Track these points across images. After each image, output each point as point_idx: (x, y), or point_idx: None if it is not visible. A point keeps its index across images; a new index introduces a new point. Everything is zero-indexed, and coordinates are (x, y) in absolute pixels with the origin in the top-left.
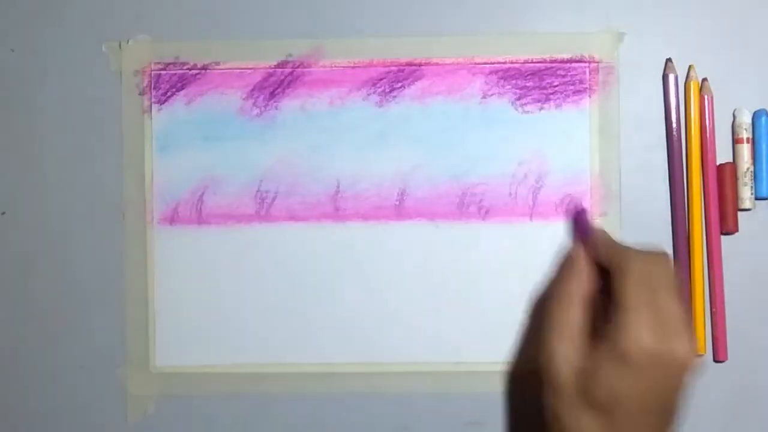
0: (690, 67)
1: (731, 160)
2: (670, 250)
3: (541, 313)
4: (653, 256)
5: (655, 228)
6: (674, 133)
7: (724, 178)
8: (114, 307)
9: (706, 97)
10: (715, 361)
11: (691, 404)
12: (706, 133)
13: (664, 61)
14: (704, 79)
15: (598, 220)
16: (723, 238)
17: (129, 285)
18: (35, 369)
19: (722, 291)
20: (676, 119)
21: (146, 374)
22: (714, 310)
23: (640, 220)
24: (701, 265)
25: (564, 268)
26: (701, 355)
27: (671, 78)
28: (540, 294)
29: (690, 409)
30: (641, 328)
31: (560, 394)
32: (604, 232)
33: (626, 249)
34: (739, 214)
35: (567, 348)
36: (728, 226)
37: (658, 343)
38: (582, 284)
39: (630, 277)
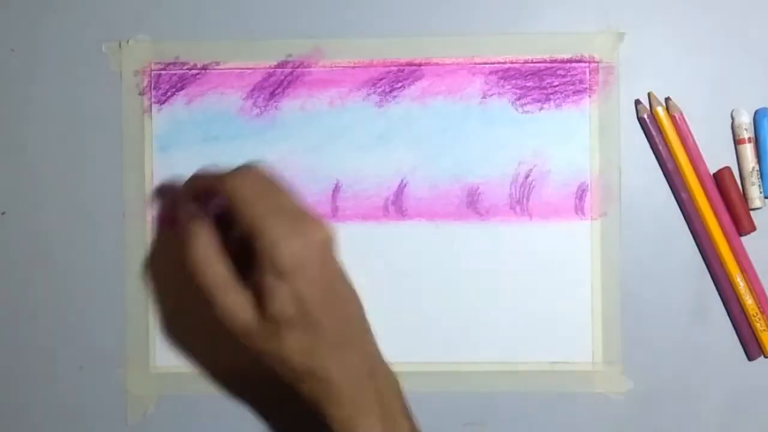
0: (650, 95)
1: (731, 163)
2: (697, 262)
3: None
4: (244, 172)
5: (656, 228)
6: (667, 164)
7: (725, 183)
8: (114, 307)
9: (675, 116)
10: None
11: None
12: (689, 148)
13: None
14: (667, 99)
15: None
16: (744, 239)
17: (129, 285)
18: (35, 369)
19: (763, 290)
20: (664, 151)
21: (146, 374)
22: (761, 308)
23: (640, 220)
24: (735, 268)
25: (184, 236)
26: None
27: (646, 117)
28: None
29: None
30: (280, 237)
31: (253, 335)
32: (194, 176)
33: (215, 177)
34: (752, 213)
35: (231, 297)
36: (744, 228)
37: (299, 240)
38: (208, 239)
39: (243, 201)
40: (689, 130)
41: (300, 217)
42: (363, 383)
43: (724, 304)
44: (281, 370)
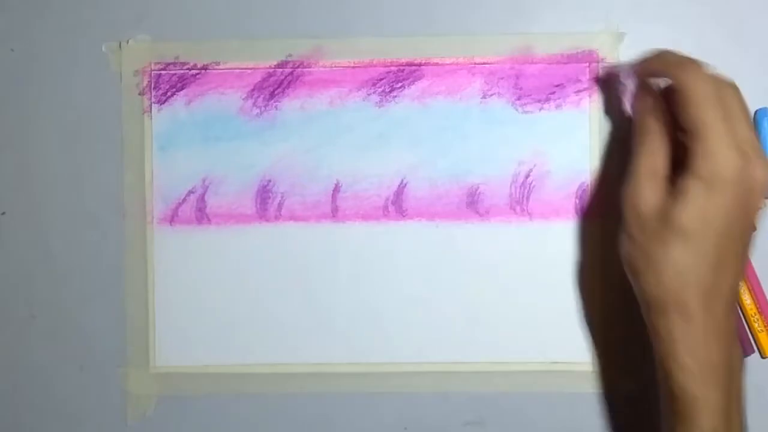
0: None
1: None
2: None
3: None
4: (721, 80)
5: None
6: None
7: None
8: (114, 307)
9: None
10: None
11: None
12: None
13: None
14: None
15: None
16: None
17: (129, 285)
18: (35, 369)
19: (762, 290)
20: None
21: (146, 374)
22: (760, 309)
23: None
24: None
25: (639, 125)
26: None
27: None
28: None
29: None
30: (723, 151)
31: (644, 227)
32: (657, 52)
33: (693, 69)
34: None
35: (646, 187)
36: None
37: (740, 163)
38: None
39: (703, 102)
40: None
41: (751, 146)
42: (721, 342)
43: None
44: (646, 288)
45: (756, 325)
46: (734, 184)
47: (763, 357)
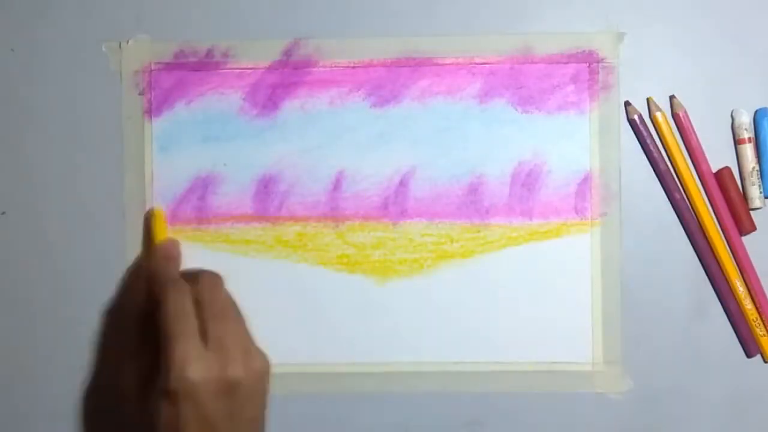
0: (648, 100)
1: (731, 163)
2: (697, 262)
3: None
4: (202, 279)
5: (655, 228)
6: (659, 165)
7: (725, 183)
8: None
9: (680, 113)
10: None
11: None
12: (693, 147)
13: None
14: (671, 96)
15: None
16: (744, 239)
17: None
18: (35, 369)
19: (762, 290)
20: (656, 152)
21: None
22: (760, 310)
23: (640, 220)
24: (735, 272)
25: (127, 281)
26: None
27: (636, 119)
28: (110, 306)
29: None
30: (186, 364)
31: (134, 411)
32: (162, 253)
33: (168, 279)
34: (752, 213)
35: (128, 368)
36: (745, 227)
37: (207, 372)
38: (137, 301)
39: (168, 309)
40: (693, 128)
41: (225, 348)
42: None
43: (724, 308)
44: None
45: (758, 330)
46: (205, 395)
47: (765, 361)
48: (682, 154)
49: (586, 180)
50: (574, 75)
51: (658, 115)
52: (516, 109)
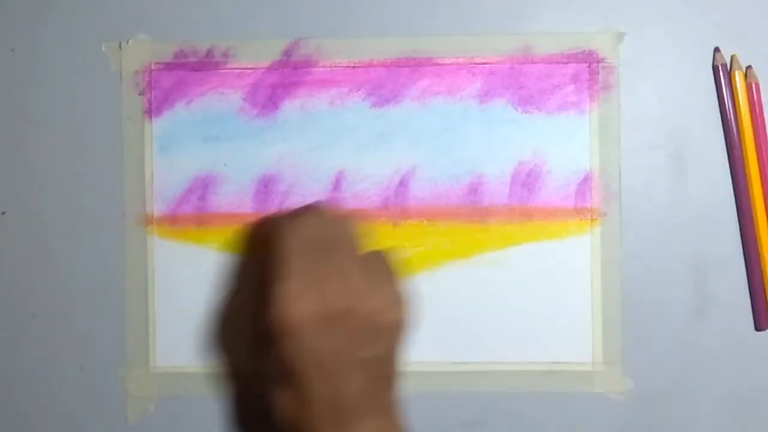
0: (732, 57)
1: None
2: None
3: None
4: (302, 219)
5: (656, 228)
6: (732, 126)
7: None
8: (114, 307)
9: (753, 84)
10: None
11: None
12: (758, 121)
13: (712, 51)
14: (748, 67)
15: None
16: None
17: (129, 285)
18: (35, 369)
19: None
20: (732, 113)
21: (146, 374)
22: None
23: (640, 220)
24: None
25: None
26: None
27: (720, 69)
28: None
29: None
30: (283, 300)
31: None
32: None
33: (277, 218)
34: None
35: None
36: None
37: (306, 305)
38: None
39: (279, 243)
40: (761, 104)
41: (334, 283)
42: None
43: (748, 275)
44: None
45: None
46: (312, 331)
47: None
48: (750, 117)
49: (586, 180)
50: (574, 75)
51: (737, 74)
52: (516, 109)
